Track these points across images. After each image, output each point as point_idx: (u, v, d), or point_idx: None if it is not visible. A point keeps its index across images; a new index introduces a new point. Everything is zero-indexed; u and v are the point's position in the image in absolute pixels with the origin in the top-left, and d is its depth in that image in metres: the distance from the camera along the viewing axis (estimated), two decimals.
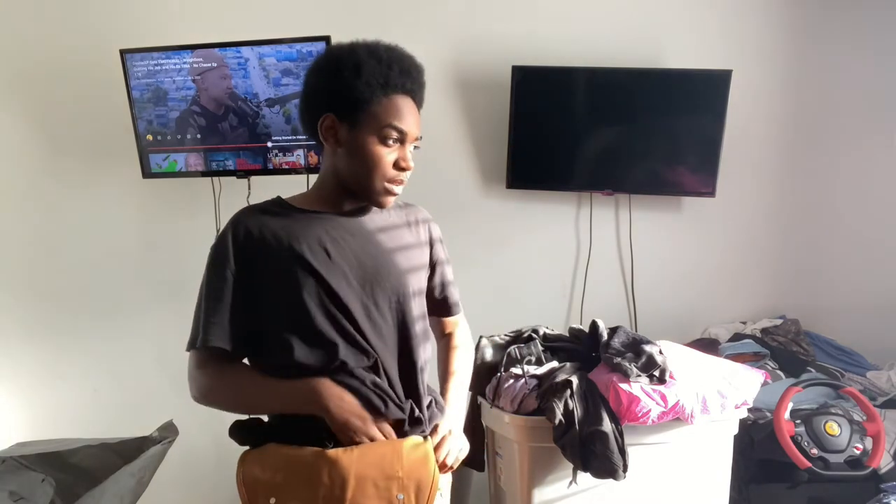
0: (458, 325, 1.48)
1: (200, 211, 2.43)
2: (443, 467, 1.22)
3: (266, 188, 2.36)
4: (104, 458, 1.59)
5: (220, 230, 1.28)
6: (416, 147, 1.25)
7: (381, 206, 1.25)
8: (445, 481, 1.28)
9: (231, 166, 2.24)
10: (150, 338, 2.56)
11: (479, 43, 2.42)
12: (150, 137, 2.24)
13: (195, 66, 2.16)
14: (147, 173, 2.29)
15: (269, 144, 2.20)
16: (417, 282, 1.29)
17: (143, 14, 2.36)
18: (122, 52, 2.17)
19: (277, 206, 1.27)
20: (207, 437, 2.60)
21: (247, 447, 1.24)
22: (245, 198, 2.36)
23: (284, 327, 1.18)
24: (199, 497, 2.62)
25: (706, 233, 2.57)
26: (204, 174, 2.28)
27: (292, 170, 2.21)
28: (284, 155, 2.20)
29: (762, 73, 2.48)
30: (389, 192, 1.23)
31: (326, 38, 2.07)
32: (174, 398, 2.56)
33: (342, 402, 1.15)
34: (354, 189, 1.23)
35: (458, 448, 1.27)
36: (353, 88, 1.17)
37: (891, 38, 2.45)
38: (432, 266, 1.37)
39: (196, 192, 2.41)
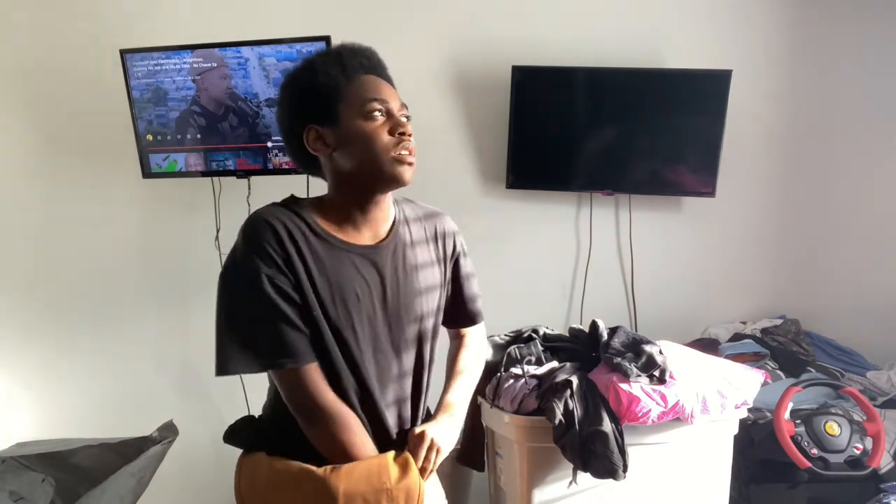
0: (475, 328, 1.46)
1: (200, 211, 2.43)
2: (423, 472, 1.19)
3: (266, 188, 2.37)
4: (104, 458, 1.59)
5: (247, 233, 1.17)
6: (407, 118, 1.21)
7: (401, 181, 1.18)
8: (433, 486, 1.26)
9: (231, 166, 2.24)
10: (151, 338, 2.56)
11: (478, 43, 2.42)
12: (150, 137, 2.24)
13: (195, 66, 2.16)
14: (147, 173, 2.29)
15: (269, 144, 2.20)
16: (436, 305, 1.29)
17: (143, 14, 2.36)
18: (122, 52, 2.17)
19: (308, 225, 1.17)
20: (207, 437, 2.60)
21: (241, 450, 1.24)
22: (245, 198, 2.36)
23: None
24: (199, 497, 2.62)
25: (706, 233, 2.57)
26: (204, 174, 2.28)
27: (292, 170, 2.21)
28: (284, 155, 2.20)
29: (762, 73, 2.48)
30: (401, 162, 1.17)
31: (326, 38, 2.07)
32: (174, 398, 2.59)
33: None
34: (368, 182, 1.18)
35: (434, 452, 1.20)
36: (317, 90, 1.18)
37: (891, 38, 2.45)
38: (456, 280, 1.36)
39: (196, 192, 2.41)
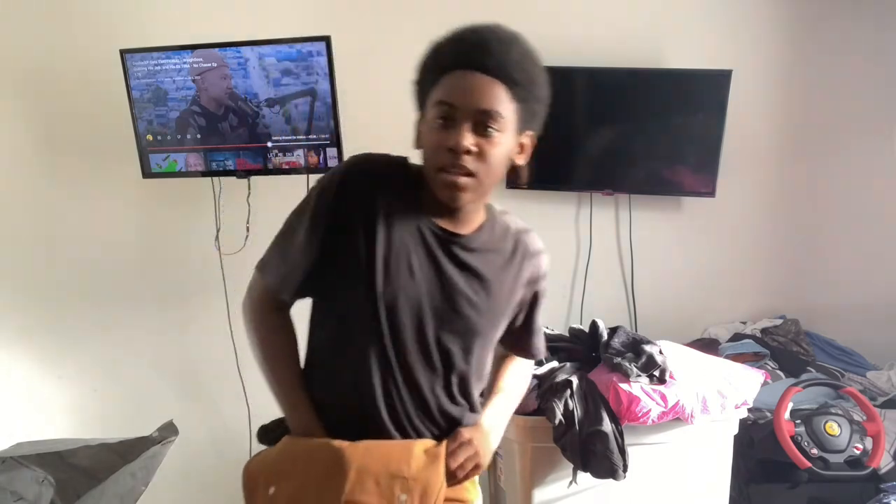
0: (526, 358, 1.35)
1: (200, 211, 2.43)
2: (452, 476, 1.12)
3: (266, 188, 2.38)
4: (104, 458, 1.59)
5: (347, 161, 1.18)
6: (488, 127, 1.05)
7: (447, 202, 1.09)
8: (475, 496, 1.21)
9: (231, 166, 2.24)
10: (150, 338, 2.56)
11: None
12: (150, 137, 2.24)
13: (195, 66, 2.16)
14: (147, 173, 2.29)
15: (269, 144, 2.20)
16: (493, 329, 1.19)
17: (143, 14, 2.36)
18: (122, 52, 2.16)
19: (404, 183, 1.14)
20: (207, 437, 2.60)
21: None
22: (245, 198, 2.36)
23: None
24: (199, 497, 2.62)
25: (706, 233, 2.57)
26: (204, 174, 2.28)
27: (292, 170, 2.21)
28: (284, 155, 2.20)
29: (762, 73, 2.48)
30: (446, 185, 1.06)
31: (326, 38, 2.07)
32: (174, 398, 2.58)
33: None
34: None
35: (473, 460, 1.14)
36: (418, 80, 1.14)
37: (890, 38, 2.45)
38: (525, 307, 1.26)
39: (196, 192, 2.41)
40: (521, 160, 1.17)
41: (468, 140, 1.05)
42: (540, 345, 1.34)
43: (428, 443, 1.13)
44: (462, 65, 1.07)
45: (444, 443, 1.14)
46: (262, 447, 1.23)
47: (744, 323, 2.58)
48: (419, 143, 1.13)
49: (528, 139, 1.16)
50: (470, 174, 1.06)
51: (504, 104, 1.07)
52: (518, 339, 1.30)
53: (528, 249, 1.23)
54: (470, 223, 1.16)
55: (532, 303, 1.27)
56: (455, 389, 1.17)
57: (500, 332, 1.22)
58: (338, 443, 1.10)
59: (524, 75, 1.08)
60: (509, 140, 1.10)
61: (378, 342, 1.11)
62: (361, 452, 1.09)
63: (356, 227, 1.11)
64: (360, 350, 1.12)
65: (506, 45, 1.09)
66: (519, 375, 1.33)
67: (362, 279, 1.10)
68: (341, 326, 1.15)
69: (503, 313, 1.21)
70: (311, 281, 1.17)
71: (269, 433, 1.22)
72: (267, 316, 1.21)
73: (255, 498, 1.16)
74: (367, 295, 1.10)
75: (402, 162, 1.17)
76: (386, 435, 1.12)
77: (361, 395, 1.12)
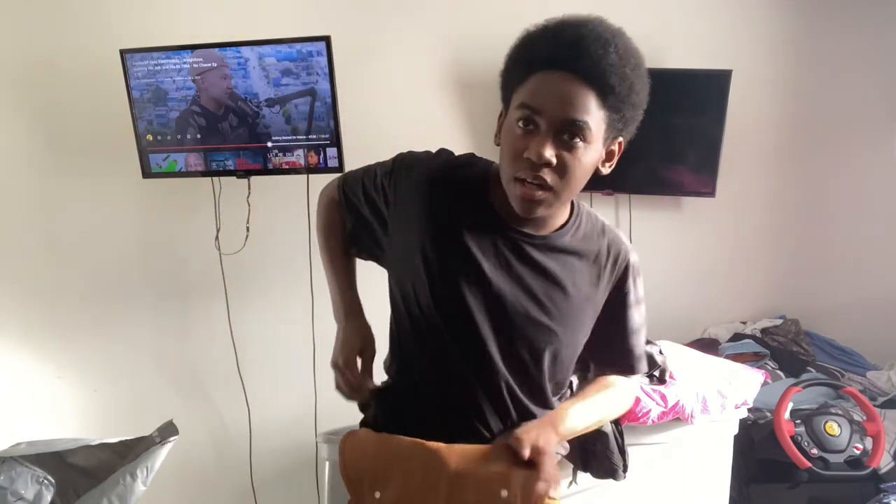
0: (627, 373, 1.24)
1: (200, 211, 2.43)
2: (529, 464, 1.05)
3: (266, 188, 2.38)
4: (104, 458, 1.59)
5: (423, 155, 1.21)
6: (574, 138, 0.98)
7: (519, 213, 1.04)
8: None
9: (231, 166, 2.24)
10: (150, 338, 2.56)
11: (479, 43, 2.41)
12: (150, 137, 2.24)
13: (195, 66, 2.16)
14: (147, 173, 2.29)
15: (269, 144, 2.20)
16: (569, 336, 1.13)
17: (143, 14, 2.36)
18: (122, 52, 2.16)
19: (474, 187, 1.13)
20: (207, 437, 2.60)
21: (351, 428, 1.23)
22: (245, 198, 2.36)
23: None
24: (199, 497, 2.62)
25: (706, 233, 2.57)
26: (204, 174, 2.28)
27: (292, 170, 2.21)
28: (284, 155, 2.20)
29: (762, 73, 2.48)
30: (521, 197, 1.01)
31: (326, 38, 2.07)
32: (174, 398, 2.58)
33: (345, 342, 1.19)
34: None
35: (540, 448, 1.05)
36: (505, 70, 1.07)
37: (890, 38, 2.45)
38: (612, 315, 1.18)
39: (196, 192, 2.41)
40: (607, 169, 1.08)
41: (549, 152, 0.98)
42: (634, 360, 1.22)
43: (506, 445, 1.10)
44: (553, 65, 0.98)
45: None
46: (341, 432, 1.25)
47: (744, 323, 2.58)
48: (498, 140, 1.09)
49: (617, 146, 1.08)
50: (547, 187, 1.01)
51: (594, 114, 0.99)
52: (608, 352, 1.21)
53: (618, 251, 1.16)
54: (548, 225, 1.12)
55: (619, 309, 1.19)
56: (527, 399, 1.13)
57: (578, 340, 1.15)
58: (433, 445, 1.08)
59: (621, 81, 1.00)
60: (595, 150, 1.03)
61: (440, 343, 1.10)
62: (458, 454, 1.07)
63: (412, 220, 1.12)
64: (423, 349, 1.13)
65: (604, 45, 0.98)
66: (609, 388, 1.21)
67: (421, 277, 1.09)
68: (410, 321, 1.14)
69: (580, 320, 1.14)
70: (378, 243, 1.22)
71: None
72: (331, 204, 1.31)
73: (363, 500, 1.13)
74: (428, 293, 1.09)
75: (468, 161, 1.20)
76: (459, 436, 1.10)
77: (430, 394, 1.14)
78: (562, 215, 1.13)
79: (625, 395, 1.25)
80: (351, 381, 1.18)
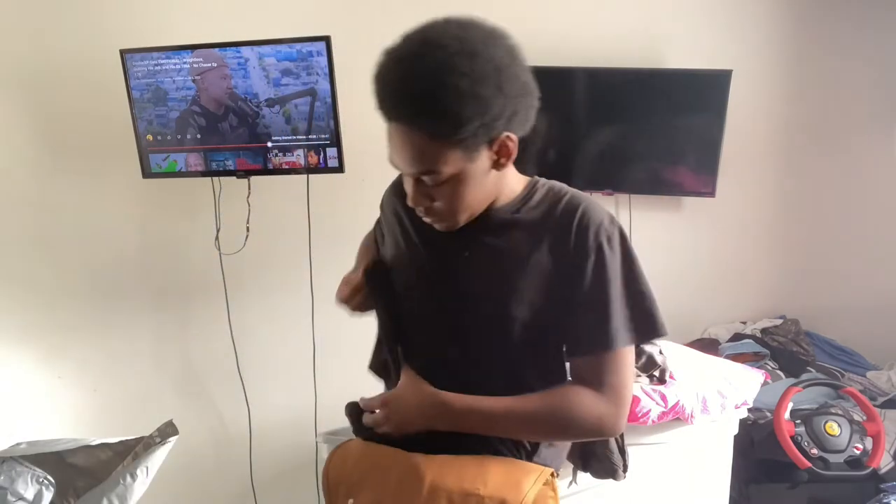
0: (600, 373, 1.06)
1: (200, 211, 2.43)
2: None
3: (266, 188, 2.37)
4: (104, 458, 1.59)
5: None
6: (433, 181, 1.00)
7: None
8: None
9: (231, 166, 2.24)
10: (150, 338, 2.56)
11: None
12: (150, 137, 2.24)
13: (195, 66, 2.16)
14: (147, 173, 2.29)
15: (269, 144, 2.19)
16: (510, 311, 1.06)
17: (143, 14, 2.36)
18: (122, 52, 2.16)
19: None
20: (207, 436, 2.60)
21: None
22: (245, 198, 2.36)
23: None
24: (199, 497, 2.62)
25: (706, 233, 2.57)
26: (204, 174, 2.28)
27: (292, 170, 2.21)
28: (284, 155, 2.20)
29: (762, 73, 2.48)
30: (434, 224, 1.09)
31: (326, 38, 2.07)
32: (174, 398, 2.58)
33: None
34: None
35: (381, 418, 1.08)
36: None
37: (891, 38, 2.45)
38: (570, 283, 1.06)
39: (196, 192, 2.41)
40: (507, 165, 1.06)
41: (416, 201, 1.03)
42: (599, 333, 1.04)
43: (507, 460, 1.09)
44: (385, 115, 0.98)
45: (527, 464, 1.09)
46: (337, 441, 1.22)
47: (744, 323, 2.58)
48: None
49: (504, 142, 1.02)
50: (441, 217, 1.05)
51: (434, 155, 0.97)
52: (574, 327, 1.07)
53: (572, 216, 1.08)
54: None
55: (577, 276, 1.05)
56: (502, 384, 1.08)
57: (521, 311, 1.06)
58: (414, 456, 1.07)
59: (441, 116, 0.93)
60: (468, 171, 1.00)
61: (409, 334, 1.16)
62: (437, 467, 1.05)
63: (385, 236, 1.23)
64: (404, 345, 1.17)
65: (409, 84, 0.93)
66: (551, 396, 1.07)
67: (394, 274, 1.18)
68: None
69: (520, 287, 1.06)
70: None
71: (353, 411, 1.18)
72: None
73: None
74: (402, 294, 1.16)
75: None
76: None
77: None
78: (505, 196, 1.12)
79: (566, 411, 1.06)
80: (351, 278, 1.20)
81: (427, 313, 1.14)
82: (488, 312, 1.09)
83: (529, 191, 1.13)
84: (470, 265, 1.10)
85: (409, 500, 1.04)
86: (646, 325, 1.07)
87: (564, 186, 1.15)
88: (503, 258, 1.08)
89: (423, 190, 1.03)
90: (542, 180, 1.16)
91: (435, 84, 0.92)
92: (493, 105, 0.95)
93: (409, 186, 1.04)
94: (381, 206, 1.27)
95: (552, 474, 1.10)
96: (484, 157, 1.02)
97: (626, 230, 2.62)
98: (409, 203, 1.05)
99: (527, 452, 1.13)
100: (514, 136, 1.03)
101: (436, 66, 0.92)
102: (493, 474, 1.04)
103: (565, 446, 1.25)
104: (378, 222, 1.31)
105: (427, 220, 1.07)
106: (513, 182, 1.13)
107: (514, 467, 1.08)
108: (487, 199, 1.08)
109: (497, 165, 1.05)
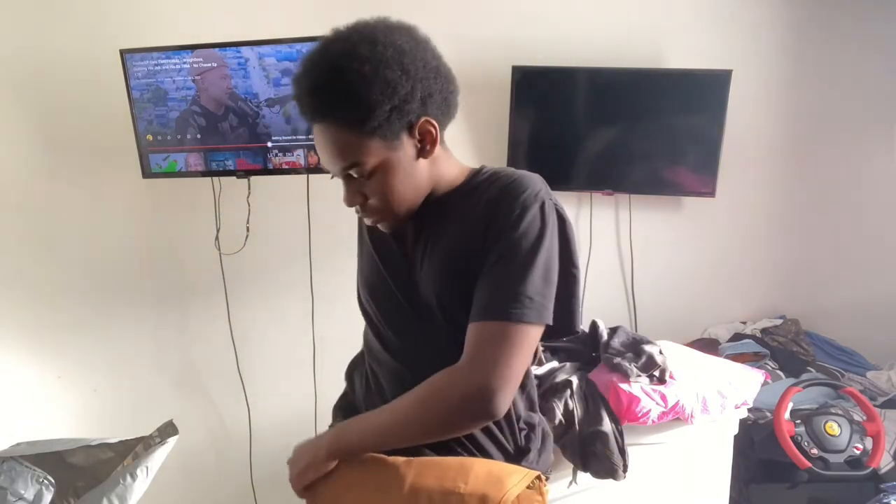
0: (473, 345, 0.99)
1: (200, 211, 2.43)
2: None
3: (266, 188, 2.38)
4: (104, 458, 1.59)
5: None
6: (361, 174, 1.02)
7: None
8: None
9: (231, 166, 2.24)
10: (150, 338, 2.56)
11: (479, 43, 2.41)
12: (150, 137, 2.24)
13: (195, 66, 2.16)
14: (147, 173, 2.29)
15: (270, 144, 2.20)
16: (454, 298, 1.05)
17: (143, 14, 2.36)
18: (122, 52, 2.16)
19: None
20: (207, 436, 2.60)
21: None
22: (245, 198, 2.36)
23: None
24: (199, 497, 2.62)
25: (706, 233, 2.57)
26: (204, 174, 2.28)
27: (292, 170, 2.21)
28: (284, 155, 2.20)
29: (762, 73, 2.48)
30: (374, 226, 1.12)
31: None
32: (174, 398, 2.58)
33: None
34: None
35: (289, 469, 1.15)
36: None
37: (891, 37, 2.45)
38: (477, 259, 1.03)
39: (196, 192, 2.41)
40: (433, 151, 1.05)
41: (349, 198, 1.06)
42: (488, 301, 0.98)
43: (492, 462, 1.07)
44: (305, 119, 1.03)
45: (513, 466, 1.07)
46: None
47: (744, 323, 2.58)
48: None
49: (425, 126, 1.03)
50: (378, 212, 1.07)
51: (354, 147, 0.99)
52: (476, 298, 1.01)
53: (495, 192, 1.04)
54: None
55: (483, 259, 1.01)
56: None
57: (449, 292, 1.05)
58: (392, 459, 1.06)
59: (349, 105, 0.96)
60: (393, 161, 1.01)
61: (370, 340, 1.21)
62: (416, 469, 1.04)
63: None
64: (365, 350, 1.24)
65: (314, 82, 0.97)
66: (419, 390, 1.02)
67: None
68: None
69: (445, 269, 1.05)
70: None
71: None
72: None
73: None
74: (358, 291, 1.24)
75: None
76: None
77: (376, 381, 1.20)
78: (444, 186, 1.11)
79: (431, 387, 1.01)
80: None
81: (385, 314, 1.16)
82: (431, 303, 1.08)
83: (471, 178, 1.12)
84: (418, 260, 1.10)
85: (389, 501, 1.03)
86: (533, 309, 0.98)
87: (513, 171, 1.09)
88: (444, 246, 1.07)
89: (354, 187, 1.05)
90: (488, 168, 1.13)
91: (338, 72, 0.95)
92: (399, 87, 0.97)
93: (343, 188, 1.06)
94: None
95: (538, 477, 1.07)
96: (407, 145, 1.03)
97: (627, 230, 2.61)
98: (345, 203, 1.07)
99: (513, 454, 1.12)
100: (434, 121, 1.03)
101: (338, 55, 0.97)
102: (475, 473, 1.02)
103: (550, 449, 1.22)
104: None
105: (369, 221, 1.10)
106: (453, 171, 1.12)
107: (498, 467, 1.06)
108: (423, 190, 1.08)
109: (423, 153, 1.05)
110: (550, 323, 1.02)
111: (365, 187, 1.04)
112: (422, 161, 1.06)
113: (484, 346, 0.98)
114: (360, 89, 0.95)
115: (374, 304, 1.17)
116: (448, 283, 1.05)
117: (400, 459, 1.06)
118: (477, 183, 1.10)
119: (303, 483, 1.13)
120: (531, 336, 0.99)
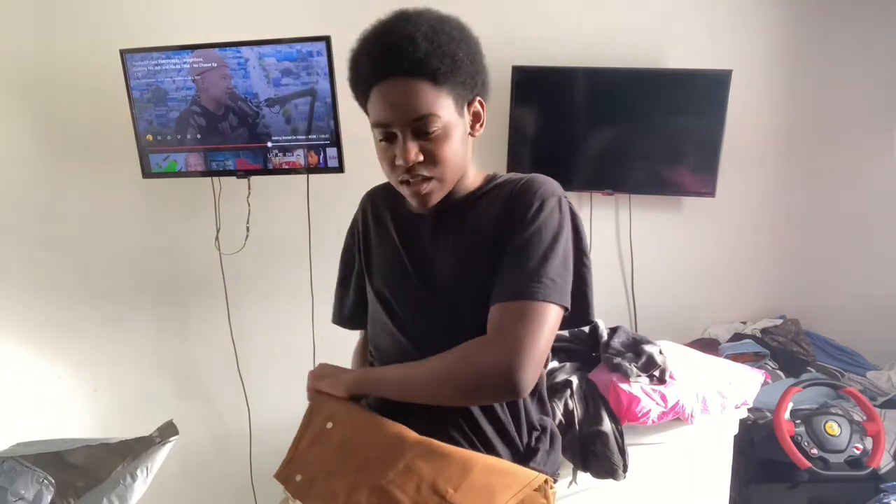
0: (498, 322, 1.02)
1: (200, 211, 2.43)
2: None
3: (266, 188, 2.38)
4: (104, 458, 1.59)
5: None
6: (428, 130, 1.05)
7: (420, 208, 1.14)
8: None
9: (231, 166, 2.24)
10: (150, 338, 2.56)
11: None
12: (150, 137, 2.24)
13: (195, 66, 2.16)
14: (147, 173, 2.29)
15: (269, 144, 2.20)
16: (472, 287, 1.08)
17: (143, 14, 2.36)
18: (122, 52, 2.16)
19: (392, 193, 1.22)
20: (207, 436, 2.61)
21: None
22: (245, 198, 2.36)
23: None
24: (200, 497, 2.62)
25: (706, 233, 2.57)
26: (204, 174, 2.28)
27: (292, 170, 2.21)
28: (284, 155, 2.20)
29: (762, 73, 2.48)
30: (412, 196, 1.11)
31: (326, 38, 2.07)
32: (174, 398, 2.58)
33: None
34: None
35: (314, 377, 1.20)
36: (355, 98, 1.13)
37: (890, 37, 2.45)
38: (494, 249, 1.08)
39: (196, 192, 2.41)
40: (479, 131, 1.16)
41: (412, 153, 1.06)
42: (510, 282, 1.03)
43: (494, 466, 1.04)
44: (380, 77, 1.05)
45: (519, 472, 1.05)
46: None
47: (744, 323, 2.58)
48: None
49: (478, 105, 1.15)
50: (428, 178, 1.09)
51: (434, 100, 1.05)
52: (496, 284, 1.06)
53: (512, 187, 1.12)
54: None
55: (502, 248, 1.07)
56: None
57: (474, 297, 1.07)
58: (408, 431, 1.05)
59: (441, 57, 1.04)
60: (455, 126, 1.09)
61: (383, 332, 1.21)
62: (423, 450, 1.02)
63: (359, 248, 1.28)
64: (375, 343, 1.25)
65: (411, 39, 1.03)
66: (448, 356, 1.05)
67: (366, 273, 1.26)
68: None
69: (469, 259, 1.10)
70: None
71: None
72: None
73: (312, 424, 1.17)
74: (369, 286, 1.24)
75: (385, 185, 1.26)
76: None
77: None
78: (464, 188, 1.17)
79: (464, 349, 1.04)
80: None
81: (406, 307, 1.17)
82: (455, 299, 1.11)
83: (488, 181, 1.19)
84: (440, 255, 1.14)
85: (384, 463, 1.03)
86: (555, 290, 1.03)
87: (517, 176, 1.18)
88: (465, 236, 1.13)
89: (413, 145, 1.07)
90: (502, 174, 1.21)
91: (435, 29, 1.04)
92: (476, 60, 1.11)
93: (398, 146, 1.07)
94: (361, 215, 1.30)
95: (546, 481, 1.05)
96: (465, 118, 1.12)
97: (627, 230, 2.62)
98: (399, 160, 1.06)
99: (522, 453, 1.13)
100: (483, 104, 1.16)
101: (432, 18, 1.07)
102: (471, 480, 1.00)
103: (559, 451, 1.23)
104: (353, 232, 1.32)
105: (409, 189, 1.10)
106: (472, 171, 1.19)
107: (500, 475, 1.03)
108: (462, 169, 1.14)
109: (473, 130, 1.15)
110: (569, 307, 1.06)
111: (424, 146, 1.07)
112: (469, 139, 1.14)
113: (509, 323, 1.01)
114: (450, 47, 1.05)
115: (391, 292, 1.19)
116: (468, 270, 1.10)
117: (414, 434, 1.04)
118: (495, 183, 1.18)
119: (315, 388, 1.20)
120: (553, 315, 1.03)
